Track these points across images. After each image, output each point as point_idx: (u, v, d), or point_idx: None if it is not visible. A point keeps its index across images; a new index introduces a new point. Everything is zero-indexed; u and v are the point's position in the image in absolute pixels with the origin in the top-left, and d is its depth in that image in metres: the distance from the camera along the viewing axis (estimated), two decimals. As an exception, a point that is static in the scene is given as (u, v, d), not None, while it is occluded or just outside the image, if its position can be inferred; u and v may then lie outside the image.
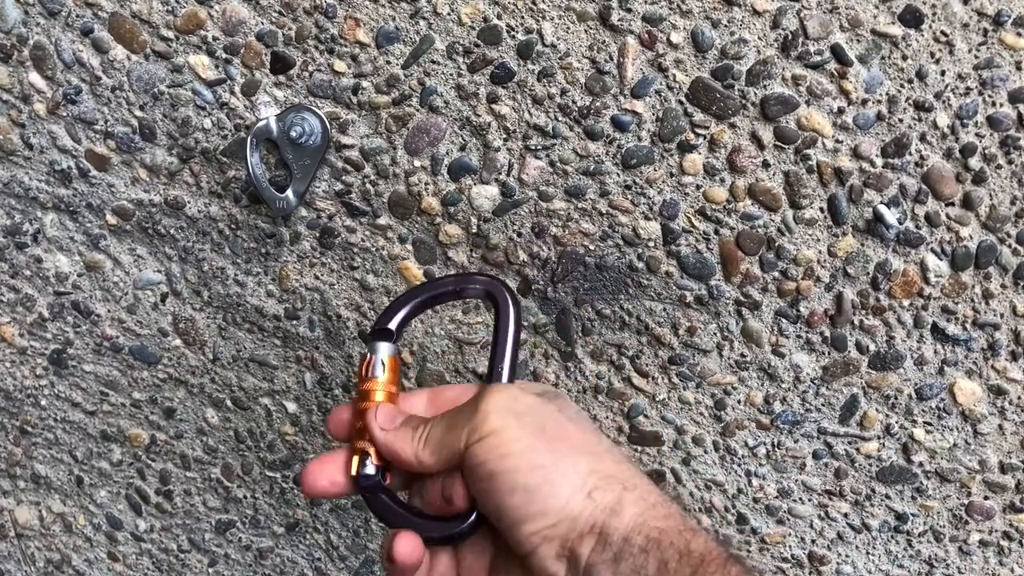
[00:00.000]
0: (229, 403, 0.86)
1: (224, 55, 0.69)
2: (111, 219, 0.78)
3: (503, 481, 0.46)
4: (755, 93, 0.65)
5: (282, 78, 0.70)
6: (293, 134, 0.69)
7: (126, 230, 0.79)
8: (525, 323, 0.77)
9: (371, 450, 0.54)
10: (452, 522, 0.52)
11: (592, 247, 0.72)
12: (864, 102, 0.64)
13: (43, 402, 0.90)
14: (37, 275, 0.83)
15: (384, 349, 0.57)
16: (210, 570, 0.97)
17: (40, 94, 0.74)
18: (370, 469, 0.54)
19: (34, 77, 0.73)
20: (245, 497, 0.92)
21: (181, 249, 0.79)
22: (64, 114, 0.74)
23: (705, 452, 0.80)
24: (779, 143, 0.66)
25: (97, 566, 1.00)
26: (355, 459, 0.54)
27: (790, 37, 0.63)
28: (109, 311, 0.83)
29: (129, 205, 0.77)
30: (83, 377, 0.88)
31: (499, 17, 0.65)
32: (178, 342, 0.84)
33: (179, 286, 0.81)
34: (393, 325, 0.58)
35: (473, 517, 0.51)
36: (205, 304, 0.81)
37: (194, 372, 0.85)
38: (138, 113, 0.73)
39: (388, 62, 0.68)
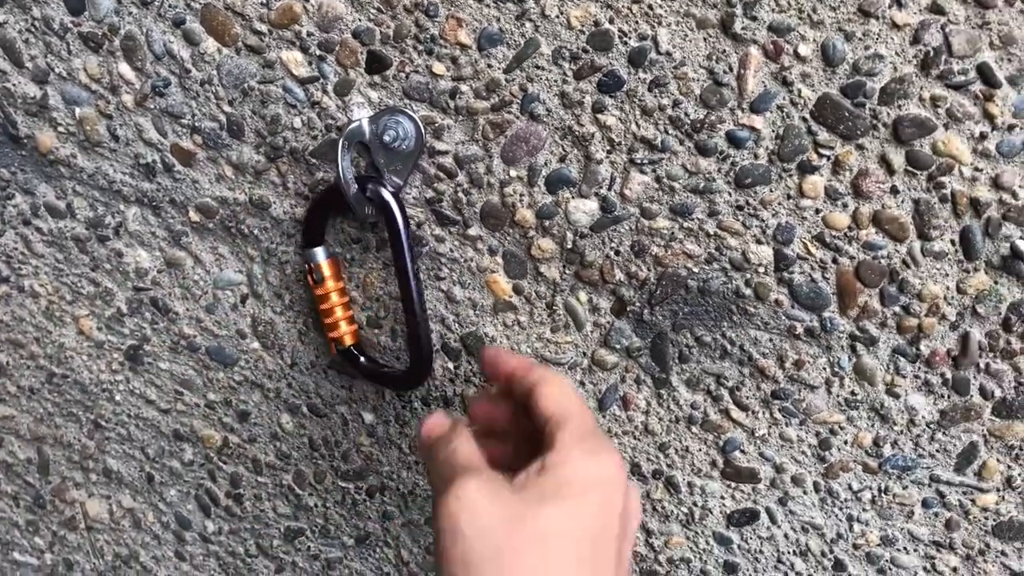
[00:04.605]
0: (305, 409, 0.84)
1: (318, 52, 0.66)
2: (194, 216, 0.76)
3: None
4: (888, 113, 0.59)
5: (377, 78, 0.66)
6: (386, 138, 0.65)
7: (209, 228, 0.76)
8: (618, 346, 0.72)
9: (345, 337, 0.75)
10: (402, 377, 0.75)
11: (696, 270, 0.68)
12: (1010, 128, 0.58)
13: (118, 397, 0.89)
14: (117, 269, 0.81)
15: (319, 254, 0.72)
16: (276, 577, 0.95)
17: (128, 85, 0.72)
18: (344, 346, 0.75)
19: (123, 68, 0.71)
20: (316, 506, 0.89)
21: (264, 250, 0.76)
22: (152, 107, 0.72)
23: (804, 493, 0.75)
24: (911, 168, 0.60)
25: (164, 564, 0.98)
26: (332, 345, 0.75)
27: (932, 54, 0.57)
28: (187, 309, 0.81)
29: (213, 203, 0.75)
30: (158, 375, 0.86)
31: (611, 22, 0.61)
32: (256, 345, 0.81)
33: (260, 288, 0.78)
34: (318, 231, 0.71)
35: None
36: (286, 308, 0.78)
37: (271, 376, 0.83)
38: (227, 109, 0.70)
39: (489, 65, 0.64)
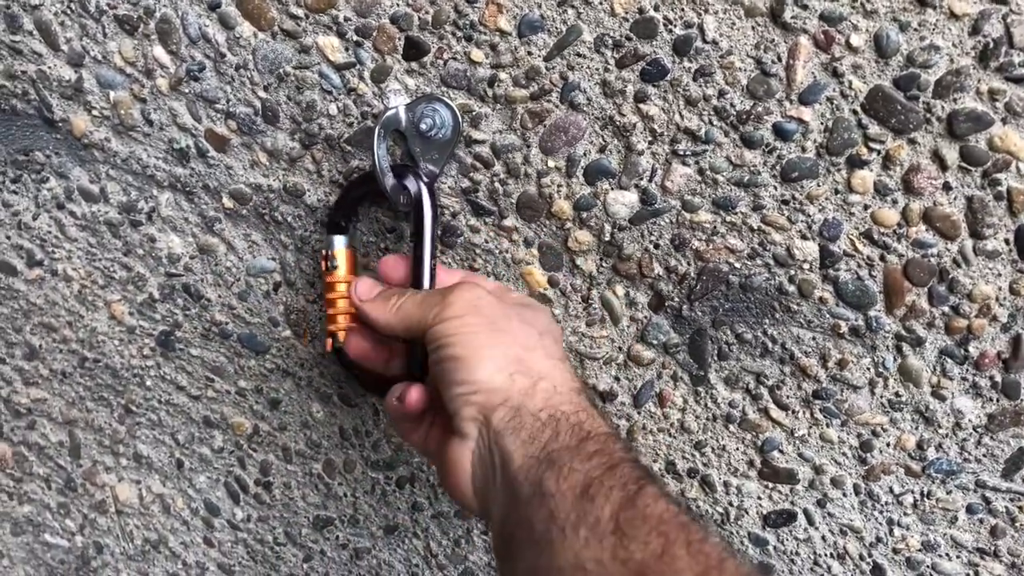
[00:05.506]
0: (336, 398, 0.83)
1: (355, 37, 0.65)
2: (227, 202, 0.75)
3: (447, 352, 0.57)
4: (942, 107, 0.57)
5: (414, 65, 0.65)
6: (423, 126, 0.64)
7: (242, 215, 0.75)
8: (655, 342, 0.71)
9: (340, 333, 0.70)
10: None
11: (738, 265, 0.66)
12: (1072, 123, 0.56)
13: (148, 383, 0.88)
14: (150, 254, 0.80)
15: (339, 242, 0.70)
16: (304, 565, 0.94)
17: (163, 69, 0.71)
18: (340, 344, 0.70)
19: (158, 51, 0.70)
20: (345, 495, 0.88)
21: (298, 238, 0.75)
22: (186, 91, 0.71)
23: (844, 495, 0.73)
24: (965, 164, 0.58)
25: (193, 550, 0.98)
26: (329, 340, 0.71)
27: (991, 45, 0.55)
28: (220, 296, 0.80)
29: (247, 189, 0.74)
30: (189, 361, 0.85)
31: (656, 8, 0.59)
32: (288, 333, 0.80)
33: (293, 276, 0.77)
34: (345, 219, 0.70)
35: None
36: (319, 296, 0.77)
37: (302, 364, 0.82)
38: (261, 94, 0.69)
39: (529, 53, 0.62)
